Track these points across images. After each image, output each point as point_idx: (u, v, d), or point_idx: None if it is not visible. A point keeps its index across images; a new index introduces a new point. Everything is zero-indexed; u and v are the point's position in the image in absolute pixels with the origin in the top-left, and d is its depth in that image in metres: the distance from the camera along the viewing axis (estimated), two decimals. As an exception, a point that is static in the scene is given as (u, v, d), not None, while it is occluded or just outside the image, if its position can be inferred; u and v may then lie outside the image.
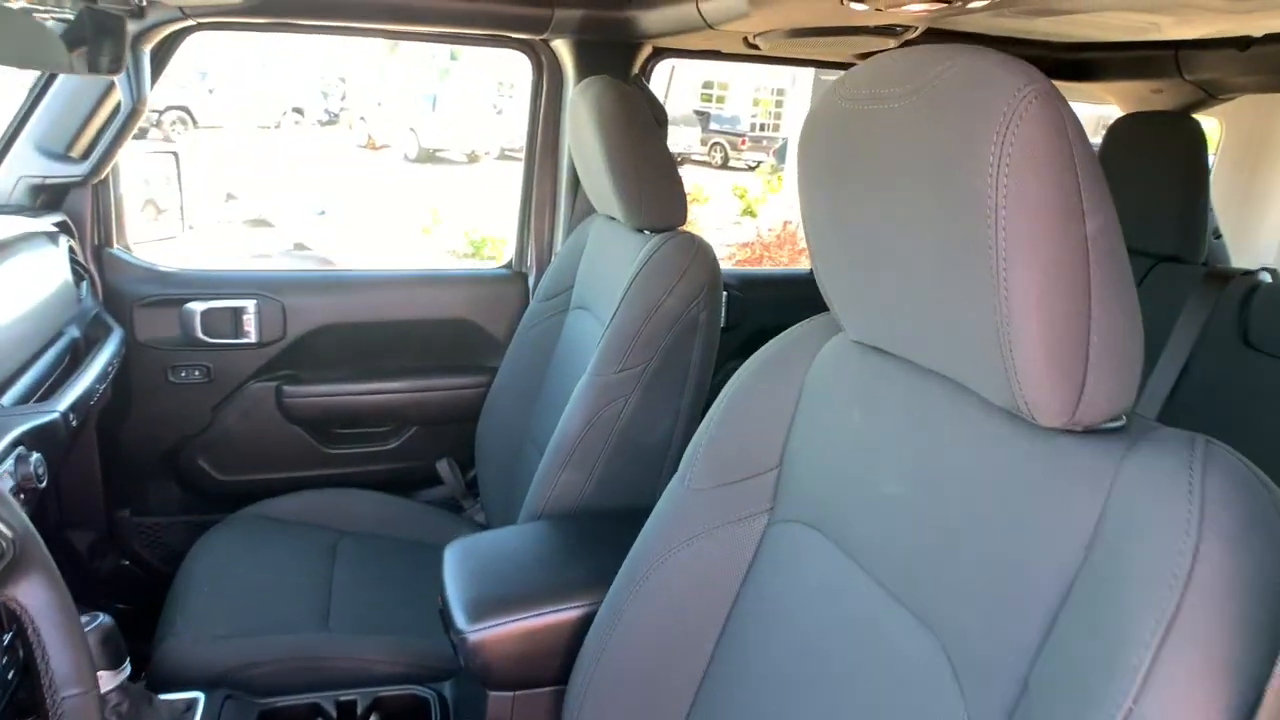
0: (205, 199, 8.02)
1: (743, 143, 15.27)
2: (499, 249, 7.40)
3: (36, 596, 0.71)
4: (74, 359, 1.48)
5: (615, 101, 1.37)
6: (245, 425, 1.79)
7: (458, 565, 1.14)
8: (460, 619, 1.04)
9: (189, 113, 13.65)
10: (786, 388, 0.79)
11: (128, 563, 1.81)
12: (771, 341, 0.84)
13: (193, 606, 1.35)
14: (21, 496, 1.05)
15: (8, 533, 0.69)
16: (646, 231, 1.41)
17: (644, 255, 1.33)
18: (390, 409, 1.88)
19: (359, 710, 1.20)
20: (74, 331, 1.51)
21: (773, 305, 2.07)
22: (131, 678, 1.77)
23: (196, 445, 1.78)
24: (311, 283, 1.82)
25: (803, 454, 0.76)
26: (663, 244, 1.33)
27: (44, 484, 1.07)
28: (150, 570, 1.81)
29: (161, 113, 13.05)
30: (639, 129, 1.38)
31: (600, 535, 1.22)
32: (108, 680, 1.04)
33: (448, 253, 7.81)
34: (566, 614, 1.06)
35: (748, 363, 0.84)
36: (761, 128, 16.83)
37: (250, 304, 1.74)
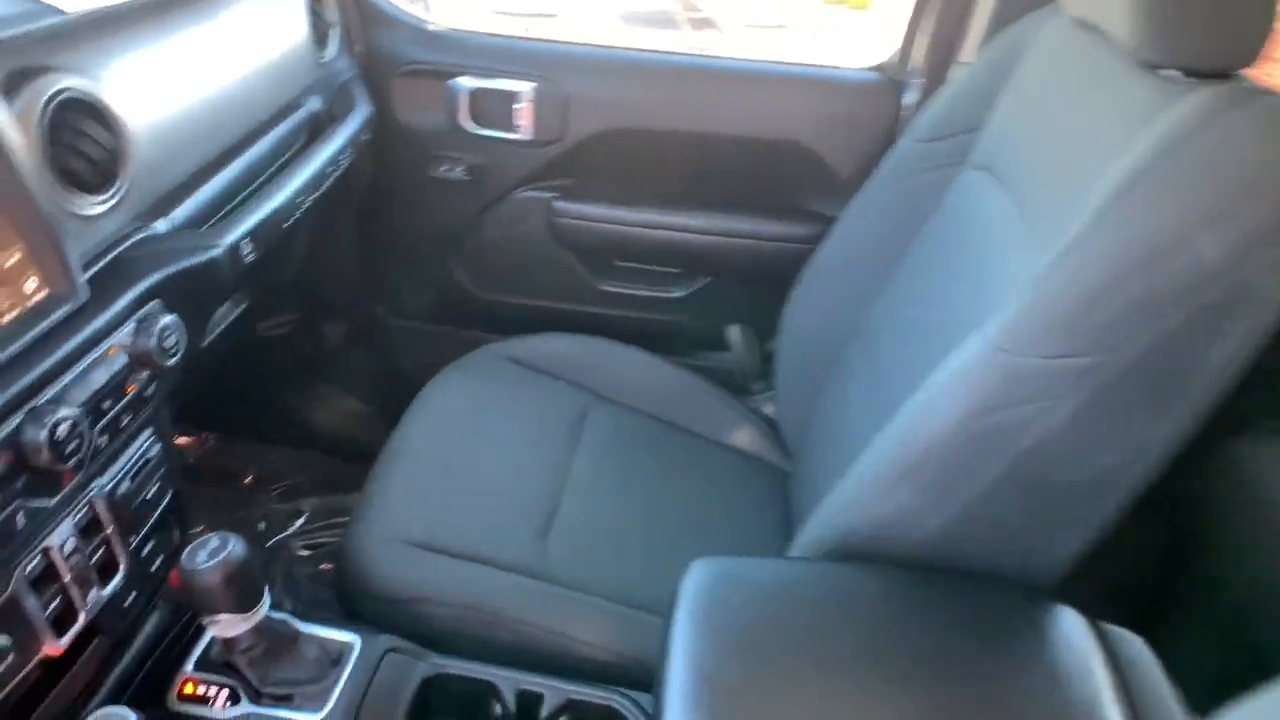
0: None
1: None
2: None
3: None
4: (312, 139, 1.18)
5: None
6: (508, 239, 1.44)
7: (697, 631, 0.71)
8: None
9: None
10: None
11: (380, 359, 1.63)
12: None
13: (396, 487, 1.09)
14: (145, 375, 0.77)
15: None
16: (1170, 71, 0.72)
17: (1168, 131, 0.66)
18: (684, 250, 1.42)
19: (543, 711, 0.89)
20: (314, 103, 1.19)
21: None
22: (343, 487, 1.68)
23: (454, 254, 1.48)
24: (606, 65, 1.34)
25: None
26: (1214, 111, 0.65)
27: (175, 359, 0.78)
28: (400, 372, 1.63)
29: None
30: None
31: (947, 639, 0.72)
32: (236, 624, 0.80)
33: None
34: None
35: None
36: None
37: (527, 88, 1.31)
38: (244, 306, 1.17)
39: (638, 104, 1.32)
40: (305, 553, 1.57)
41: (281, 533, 1.60)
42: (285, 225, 1.00)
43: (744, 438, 1.32)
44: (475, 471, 1.13)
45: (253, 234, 0.92)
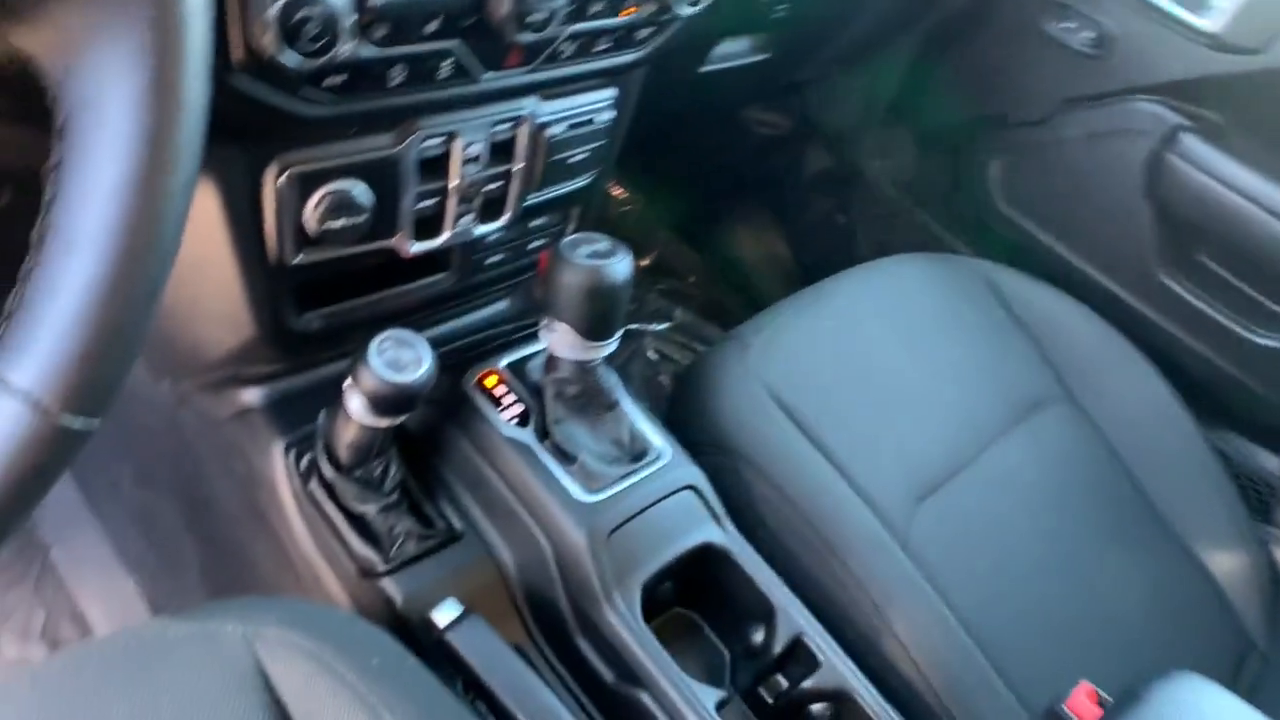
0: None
1: None
2: None
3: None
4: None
5: None
6: (1084, 154, 1.08)
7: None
8: None
9: None
10: None
11: (838, 218, 1.40)
12: None
13: (790, 337, 0.87)
14: (650, 10, 0.60)
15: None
16: None
17: None
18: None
19: (807, 680, 0.65)
20: None
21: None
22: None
23: (1002, 142, 1.16)
24: None
25: None
26: None
27: (685, 16, 0.60)
28: (854, 242, 1.38)
29: None
30: None
31: None
32: (571, 345, 0.65)
33: None
34: None
35: None
36: None
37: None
38: (760, 59, 0.98)
39: None
40: (653, 356, 1.46)
41: (646, 325, 1.50)
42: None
43: (1226, 565, 0.91)
44: (882, 381, 0.87)
45: None
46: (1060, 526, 0.85)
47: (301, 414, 0.68)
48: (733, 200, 1.51)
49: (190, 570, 0.84)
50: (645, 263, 1.64)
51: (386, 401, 0.57)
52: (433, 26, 0.48)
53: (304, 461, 0.67)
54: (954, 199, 1.26)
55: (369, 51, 0.46)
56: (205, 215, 0.52)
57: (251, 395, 0.71)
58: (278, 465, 0.68)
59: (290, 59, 0.42)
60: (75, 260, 0.28)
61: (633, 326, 1.51)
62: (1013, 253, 1.11)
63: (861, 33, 1.07)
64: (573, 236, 0.63)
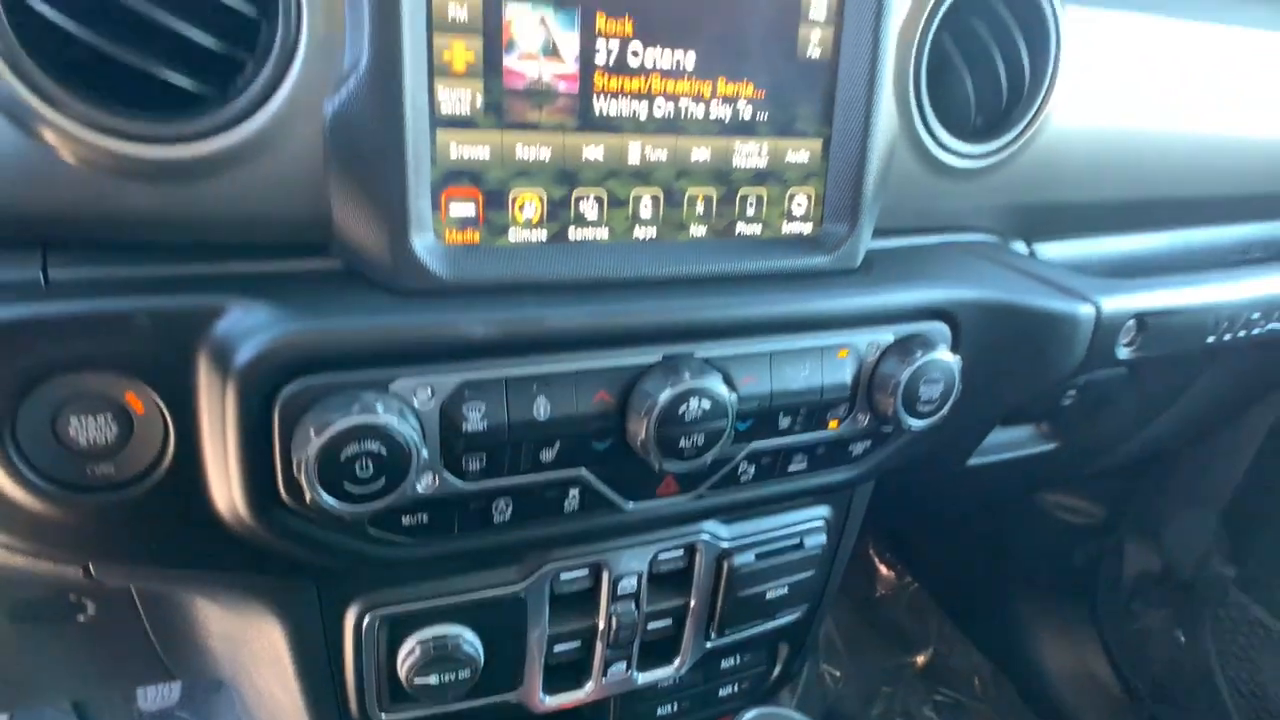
0: None
1: None
2: None
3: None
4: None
5: None
6: None
7: None
8: None
9: None
10: None
11: (1181, 634, 1.04)
12: None
13: None
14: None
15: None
16: None
17: None
18: None
19: None
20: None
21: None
22: None
23: None
24: None
25: None
26: None
27: None
28: (1192, 650, 1.00)
29: None
30: None
31: None
32: None
33: None
34: None
35: None
36: None
37: None
38: (1046, 449, 0.77)
39: None
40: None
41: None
42: None
43: None
44: None
45: None
46: None
47: None
48: (1030, 596, 1.21)
49: None
50: (920, 660, 1.34)
51: None
52: (549, 455, 0.37)
53: None
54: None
55: (456, 487, 0.36)
56: (273, 657, 0.42)
57: None
58: None
59: (332, 503, 0.32)
60: None
61: (897, 749, 1.20)
62: None
63: (1190, 415, 0.83)
64: (761, 712, 0.44)
